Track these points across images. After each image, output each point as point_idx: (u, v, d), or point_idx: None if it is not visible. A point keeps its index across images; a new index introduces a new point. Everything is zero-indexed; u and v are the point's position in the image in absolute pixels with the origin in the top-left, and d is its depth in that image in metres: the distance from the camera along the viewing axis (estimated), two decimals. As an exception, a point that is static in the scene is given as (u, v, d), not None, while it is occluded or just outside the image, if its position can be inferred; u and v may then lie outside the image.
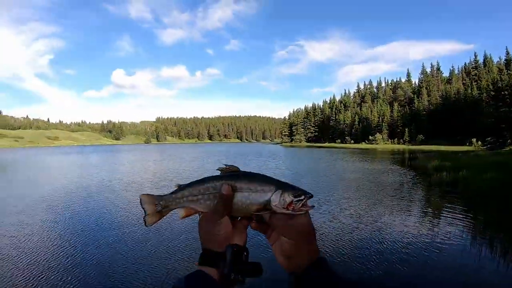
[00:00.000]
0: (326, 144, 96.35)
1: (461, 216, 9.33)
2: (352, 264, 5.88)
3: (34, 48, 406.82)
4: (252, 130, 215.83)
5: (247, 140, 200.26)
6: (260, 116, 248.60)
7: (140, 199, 0.71)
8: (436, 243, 6.88)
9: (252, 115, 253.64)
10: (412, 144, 71.31)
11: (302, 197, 0.62)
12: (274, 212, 0.63)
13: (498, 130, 49.42)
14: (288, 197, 0.62)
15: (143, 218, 0.71)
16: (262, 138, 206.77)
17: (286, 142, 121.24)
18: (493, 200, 10.73)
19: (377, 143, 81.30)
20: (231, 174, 0.68)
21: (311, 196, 0.64)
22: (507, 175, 14.00)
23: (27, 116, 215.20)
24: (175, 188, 0.70)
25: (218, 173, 0.69)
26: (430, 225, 8.55)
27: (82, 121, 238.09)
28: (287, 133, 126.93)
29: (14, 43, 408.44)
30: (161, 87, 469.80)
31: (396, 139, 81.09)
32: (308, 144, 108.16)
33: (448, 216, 9.49)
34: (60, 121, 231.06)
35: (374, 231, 7.92)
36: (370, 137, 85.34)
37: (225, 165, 0.69)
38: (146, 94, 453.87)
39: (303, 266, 0.61)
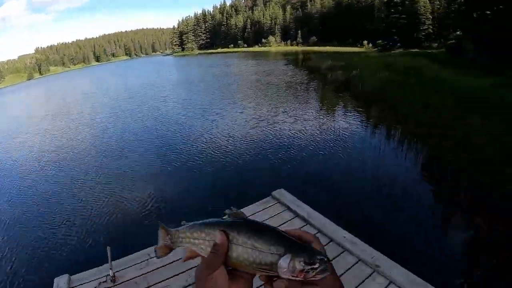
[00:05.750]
0: (219, 50, 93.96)
1: (355, 112, 10.71)
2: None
3: None
4: (141, 44, 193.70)
5: (136, 55, 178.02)
6: (147, 29, 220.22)
7: (159, 229, 0.63)
8: (337, 133, 8.18)
9: (139, 28, 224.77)
10: (305, 45, 70.43)
11: (316, 265, 0.48)
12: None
13: (388, 34, 48.91)
14: (299, 264, 0.48)
15: (154, 248, 0.63)
16: (153, 51, 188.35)
17: (177, 52, 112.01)
18: (383, 97, 11.72)
19: (270, 46, 79.27)
20: (233, 222, 0.55)
21: (328, 261, 0.49)
22: (394, 73, 15.35)
23: None
24: (182, 224, 0.61)
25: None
26: (329, 119, 9.99)
27: None
28: (178, 43, 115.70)
29: None
30: (35, 13, 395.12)
31: (289, 41, 79.27)
32: (201, 51, 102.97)
33: (344, 111, 10.97)
34: None
35: (274, 126, 9.16)
36: (263, 40, 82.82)
37: (230, 208, 0.58)
38: (19, 25, 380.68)
39: None
